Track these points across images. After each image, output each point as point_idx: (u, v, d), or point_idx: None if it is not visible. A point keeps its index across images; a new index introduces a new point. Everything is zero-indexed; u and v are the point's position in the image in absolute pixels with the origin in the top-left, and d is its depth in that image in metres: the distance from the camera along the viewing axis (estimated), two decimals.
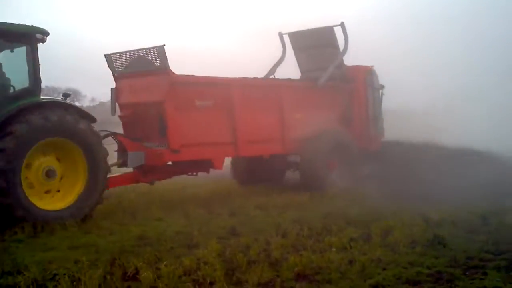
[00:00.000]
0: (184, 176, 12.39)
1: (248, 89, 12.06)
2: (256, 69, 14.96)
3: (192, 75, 11.17)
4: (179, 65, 11.19)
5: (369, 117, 14.57)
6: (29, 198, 8.60)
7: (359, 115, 14.42)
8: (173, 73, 10.67)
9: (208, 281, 5.69)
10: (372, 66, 14.94)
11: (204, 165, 11.72)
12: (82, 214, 9.06)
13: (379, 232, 7.83)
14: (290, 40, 15.00)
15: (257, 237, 7.71)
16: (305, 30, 14.56)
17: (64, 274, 5.70)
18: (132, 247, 7.27)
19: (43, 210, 8.72)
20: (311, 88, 13.39)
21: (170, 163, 11.48)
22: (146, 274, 5.73)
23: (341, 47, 13.92)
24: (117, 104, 11.76)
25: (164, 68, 10.62)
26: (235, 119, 11.57)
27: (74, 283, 5.50)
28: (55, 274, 5.81)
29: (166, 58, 10.54)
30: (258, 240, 7.48)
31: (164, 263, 6.16)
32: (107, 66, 11.67)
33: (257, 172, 13.66)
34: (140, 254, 6.68)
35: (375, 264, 6.34)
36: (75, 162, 9.33)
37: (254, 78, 12.80)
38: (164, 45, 10.47)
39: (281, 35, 15.05)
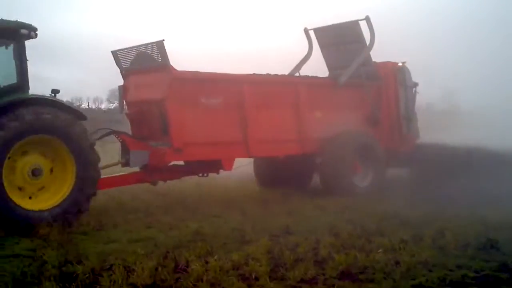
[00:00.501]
0: (242, 173, 12.56)
1: (260, 86, 11.70)
2: (284, 65, 14.54)
3: (197, 72, 10.87)
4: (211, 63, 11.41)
5: (400, 116, 13.94)
6: (10, 196, 8.37)
7: (389, 114, 13.79)
8: (174, 69, 10.40)
9: (253, 276, 5.91)
10: (404, 62, 14.26)
11: (212, 165, 11.39)
12: (64, 218, 8.62)
13: (432, 234, 7.79)
14: (316, 36, 14.43)
15: (309, 236, 7.84)
16: (330, 26, 13.96)
17: (119, 264, 6.07)
18: (188, 242, 7.59)
19: (24, 209, 8.47)
20: (332, 86, 12.85)
21: (182, 162, 11.31)
22: (195, 267, 6.03)
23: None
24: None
25: (164, 64, 10.36)
26: (245, 118, 11.19)
27: (129, 273, 5.85)
28: (111, 265, 6.19)
29: (166, 54, 10.29)
30: (308, 239, 7.61)
31: (215, 257, 6.45)
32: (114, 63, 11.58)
33: (281, 174, 13.11)
34: (194, 248, 6.99)
35: (421, 266, 6.36)
36: (64, 162, 9.02)
37: (267, 74, 12.22)
38: (164, 40, 10.27)
39: (306, 31, 14.50)
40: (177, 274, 5.97)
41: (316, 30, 14.35)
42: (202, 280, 5.69)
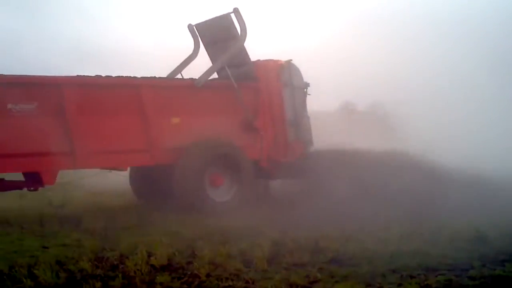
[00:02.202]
0: None
1: (87, 90, 10.24)
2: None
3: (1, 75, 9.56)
4: None
5: (285, 121, 12.39)
6: None
7: (272, 119, 12.25)
8: None
9: (254, 261, 6.92)
10: (289, 60, 12.58)
11: (33, 178, 10.15)
12: None
13: (430, 229, 8.57)
14: (198, 33, 12.80)
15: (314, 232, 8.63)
16: (208, 21, 12.39)
17: (144, 250, 7.25)
18: (210, 235, 8.63)
19: None
20: (191, 88, 11.27)
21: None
22: (206, 253, 7.14)
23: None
24: None
25: None
26: (69, 126, 9.90)
27: (150, 257, 7.02)
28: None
29: None
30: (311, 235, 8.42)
31: (226, 246, 7.54)
32: None
33: (162, 184, 11.55)
34: (212, 240, 8.13)
35: (406, 254, 7.19)
36: None
37: (96, 76, 10.54)
38: None
39: (191, 28, 12.79)
40: (190, 258, 7.10)
41: (197, 26, 12.73)
42: (209, 263, 6.79)
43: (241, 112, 11.70)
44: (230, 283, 6.09)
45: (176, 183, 10.84)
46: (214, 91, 11.59)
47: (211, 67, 11.70)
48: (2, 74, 9.52)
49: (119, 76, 10.74)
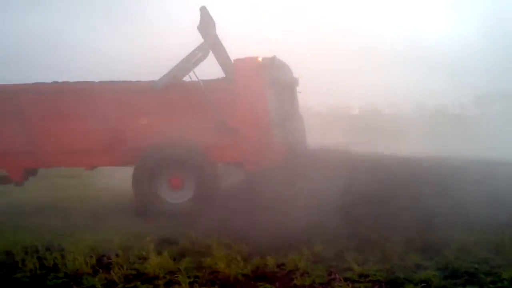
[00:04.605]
0: None
1: (45, 95, 11.04)
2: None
3: None
4: None
5: (268, 122, 11.24)
6: None
7: (253, 119, 11.11)
8: None
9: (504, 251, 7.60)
10: (273, 56, 11.36)
11: None
12: None
13: None
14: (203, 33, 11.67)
15: None
16: (201, 18, 11.39)
17: None
18: None
19: None
20: (154, 90, 10.99)
21: None
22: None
23: None
24: None
25: None
26: (31, 129, 10.98)
27: None
28: None
29: None
30: None
31: None
32: None
33: None
34: None
35: None
36: None
37: (53, 82, 11.21)
38: None
39: (199, 28, 11.70)
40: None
41: (199, 27, 11.66)
42: (459, 250, 7.68)
43: (212, 113, 11.08)
44: (476, 266, 6.97)
45: (132, 185, 11.06)
46: (179, 92, 11.15)
47: (173, 69, 11.14)
48: None
49: (76, 82, 11.26)
